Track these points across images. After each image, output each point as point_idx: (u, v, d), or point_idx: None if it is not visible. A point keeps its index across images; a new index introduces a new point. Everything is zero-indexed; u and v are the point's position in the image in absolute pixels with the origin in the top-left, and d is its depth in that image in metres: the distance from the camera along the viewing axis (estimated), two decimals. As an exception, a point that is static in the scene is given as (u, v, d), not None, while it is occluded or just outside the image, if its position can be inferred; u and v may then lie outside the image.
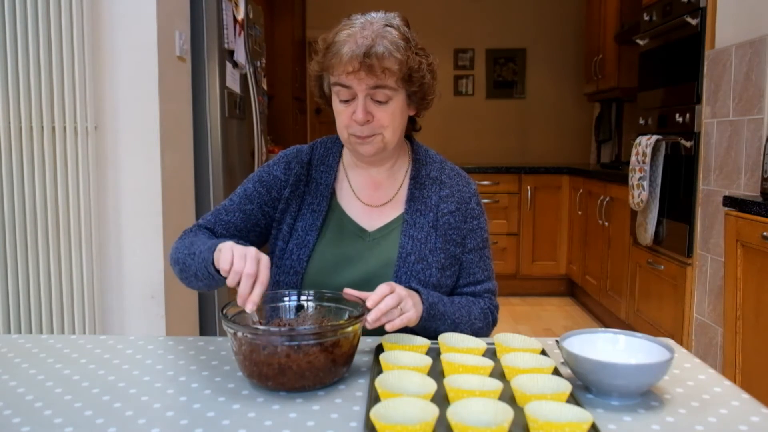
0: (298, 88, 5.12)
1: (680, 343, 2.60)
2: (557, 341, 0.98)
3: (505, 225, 4.56)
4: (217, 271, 1.07)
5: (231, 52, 2.70)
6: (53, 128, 2.12)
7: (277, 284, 1.25)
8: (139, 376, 0.96)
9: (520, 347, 1.02)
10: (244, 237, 1.29)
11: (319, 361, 0.88)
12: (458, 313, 1.20)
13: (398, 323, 1.03)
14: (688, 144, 2.72)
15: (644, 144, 2.92)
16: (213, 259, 1.08)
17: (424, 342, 1.03)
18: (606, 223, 3.69)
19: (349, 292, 1.05)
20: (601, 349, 0.96)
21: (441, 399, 0.84)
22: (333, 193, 1.30)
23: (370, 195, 1.30)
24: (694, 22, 2.66)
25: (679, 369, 1.00)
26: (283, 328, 0.92)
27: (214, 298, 2.64)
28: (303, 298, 1.07)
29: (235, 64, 2.76)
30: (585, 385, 0.91)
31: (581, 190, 4.22)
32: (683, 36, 2.79)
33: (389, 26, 1.17)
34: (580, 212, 4.25)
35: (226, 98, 2.63)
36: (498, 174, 4.55)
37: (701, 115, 2.65)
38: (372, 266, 1.23)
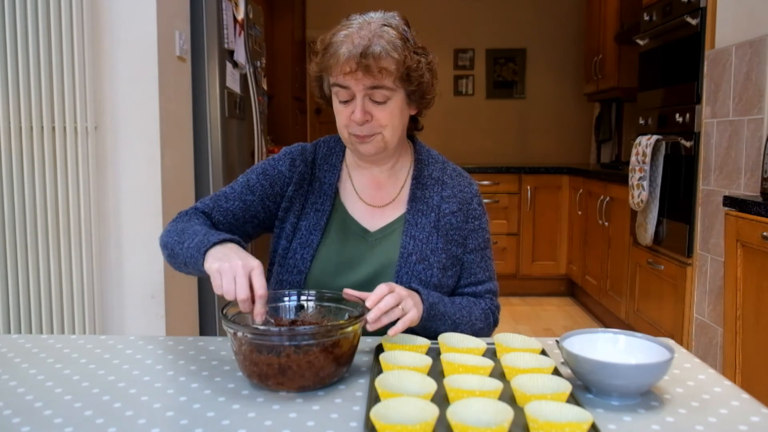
0: (298, 88, 5.12)
1: (680, 343, 2.60)
2: (557, 341, 0.98)
3: (505, 225, 4.56)
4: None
5: (231, 52, 2.70)
6: (53, 128, 2.12)
7: (281, 283, 1.25)
8: (139, 376, 0.96)
9: (520, 347, 1.02)
10: (240, 226, 1.28)
11: (319, 361, 0.88)
12: (459, 314, 1.20)
13: (401, 326, 1.02)
14: (688, 144, 2.72)
15: (644, 144, 2.92)
16: (203, 261, 1.06)
17: (424, 342, 1.03)
18: (606, 223, 3.69)
19: (348, 292, 1.05)
20: (601, 349, 0.96)
21: (441, 399, 0.84)
22: (336, 193, 1.30)
23: (373, 195, 1.30)
24: (694, 22, 2.66)
25: (679, 369, 1.00)
26: (283, 328, 0.92)
27: (213, 298, 2.64)
28: (303, 298, 1.07)
29: (235, 64, 2.76)
30: (585, 385, 0.91)
31: (581, 190, 4.22)
32: (683, 36, 2.79)
33: (387, 26, 1.17)
34: (580, 212, 4.25)
35: (226, 98, 2.63)
36: (498, 174, 4.55)
37: (701, 115, 2.65)
38: (374, 266, 1.23)
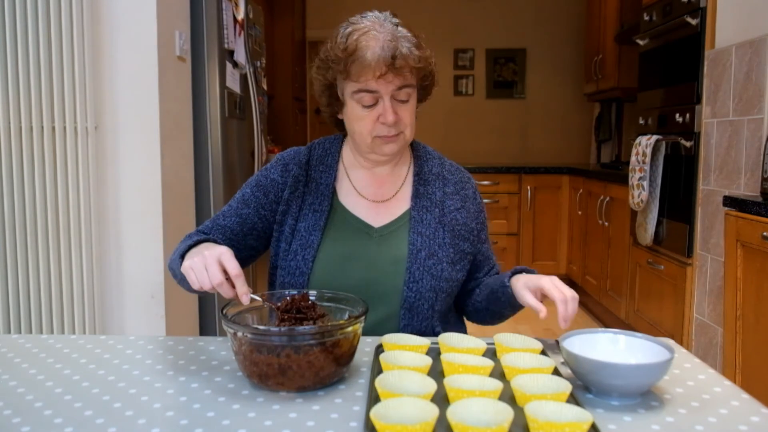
0: (298, 88, 5.12)
1: (680, 343, 2.60)
2: (557, 341, 0.98)
3: (505, 225, 4.56)
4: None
5: (231, 52, 2.70)
6: (53, 128, 2.12)
7: (283, 286, 1.25)
8: (139, 376, 0.96)
9: (520, 347, 1.02)
10: (240, 241, 1.29)
11: (319, 361, 0.88)
12: None
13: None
14: (688, 144, 2.72)
15: (644, 144, 2.92)
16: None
17: (424, 342, 1.03)
18: (606, 223, 3.69)
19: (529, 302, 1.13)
20: (601, 349, 0.96)
21: (441, 399, 0.84)
22: (334, 193, 1.30)
23: (374, 192, 1.30)
24: (694, 22, 2.66)
25: (679, 369, 1.00)
26: (283, 328, 0.92)
27: (214, 298, 2.64)
28: (303, 298, 1.07)
29: (235, 64, 2.76)
30: (585, 385, 0.91)
31: (581, 190, 4.22)
32: (683, 36, 2.79)
33: (398, 25, 1.19)
34: (580, 212, 4.25)
35: (226, 98, 2.63)
36: (498, 174, 4.55)
37: (701, 115, 2.65)
38: (381, 263, 1.24)
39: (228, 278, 1.00)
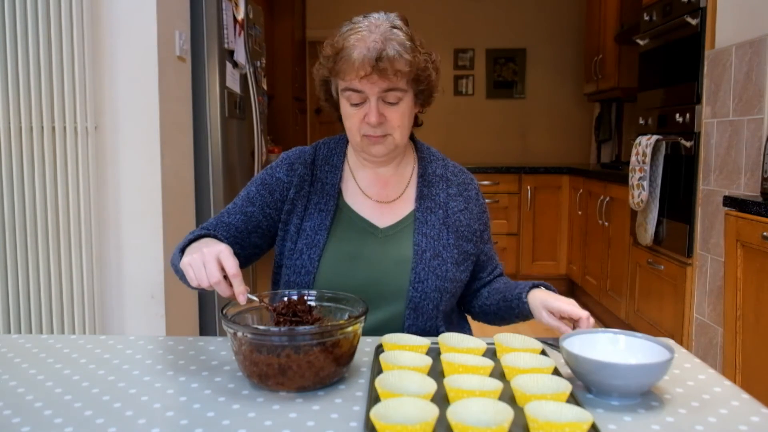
0: (298, 88, 5.12)
1: (680, 343, 2.60)
2: (552, 341, 0.98)
3: (505, 225, 4.56)
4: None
5: (231, 52, 2.70)
6: (53, 128, 2.12)
7: (288, 284, 1.25)
8: (139, 376, 0.96)
9: (520, 347, 1.02)
10: (244, 239, 1.29)
11: (319, 361, 0.88)
12: None
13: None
14: (688, 144, 2.72)
15: (644, 144, 2.92)
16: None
17: (424, 342, 1.03)
18: (606, 223, 3.69)
19: (551, 323, 1.16)
20: (601, 349, 0.96)
21: (441, 399, 0.84)
22: (339, 193, 1.30)
23: (379, 192, 1.31)
24: (694, 22, 2.66)
25: (679, 369, 1.00)
26: (283, 328, 0.92)
27: (214, 298, 2.64)
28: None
29: (235, 64, 2.76)
30: (585, 385, 0.91)
31: (581, 190, 4.22)
32: (683, 36, 2.79)
33: (395, 28, 1.18)
34: (580, 212, 4.25)
35: (226, 98, 2.63)
36: (498, 174, 4.55)
37: (701, 115, 2.65)
38: (386, 263, 1.24)
39: (226, 276, 1.00)
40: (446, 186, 1.32)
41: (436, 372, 0.94)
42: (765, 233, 1.87)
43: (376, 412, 0.74)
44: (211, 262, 0.99)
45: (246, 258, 1.31)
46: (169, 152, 2.29)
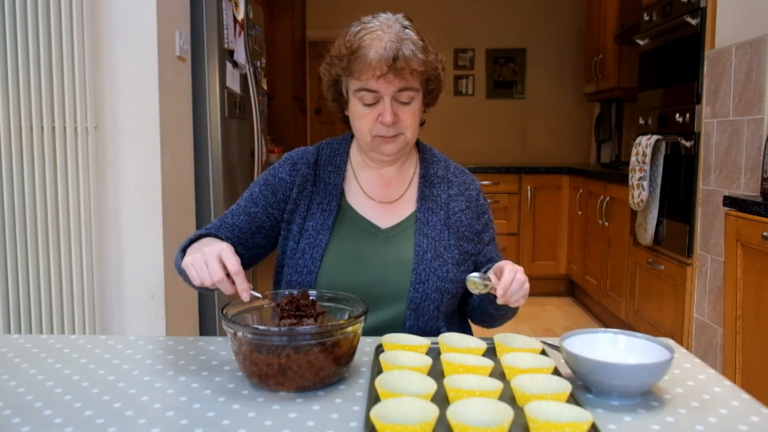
0: (298, 88, 5.12)
1: (680, 343, 2.60)
2: (549, 341, 0.98)
3: (505, 225, 4.56)
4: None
5: (231, 52, 2.70)
6: (53, 128, 2.12)
7: (290, 284, 1.26)
8: (139, 376, 0.96)
9: (520, 347, 1.02)
10: (248, 240, 1.29)
11: (319, 361, 0.88)
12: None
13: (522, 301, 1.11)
14: (688, 144, 2.72)
15: (644, 144, 2.92)
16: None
17: (424, 342, 1.03)
18: (606, 223, 3.69)
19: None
20: (601, 349, 0.96)
21: (441, 399, 0.84)
22: (342, 193, 1.30)
23: (381, 193, 1.31)
24: (694, 22, 2.66)
25: (679, 369, 1.00)
26: (283, 328, 0.92)
27: (214, 298, 2.64)
28: (303, 298, 1.07)
29: (235, 64, 2.76)
30: (585, 385, 0.91)
31: (581, 190, 4.22)
32: (683, 36, 2.79)
33: (406, 28, 1.19)
34: (580, 212, 4.25)
35: (226, 98, 2.63)
36: (498, 174, 4.55)
37: (701, 115, 2.65)
38: (388, 263, 1.24)
39: (228, 275, 1.00)
40: (447, 187, 1.32)
41: (436, 372, 0.94)
42: (765, 233, 1.87)
43: (376, 412, 0.74)
44: (213, 260, 1.00)
45: (250, 258, 1.31)
46: (169, 152, 2.28)
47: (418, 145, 1.37)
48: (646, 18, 3.17)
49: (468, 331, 1.36)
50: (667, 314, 2.89)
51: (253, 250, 1.31)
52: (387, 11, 1.23)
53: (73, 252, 2.15)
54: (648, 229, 2.96)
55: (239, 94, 2.85)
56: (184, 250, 1.14)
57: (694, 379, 0.96)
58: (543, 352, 1.01)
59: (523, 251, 4.57)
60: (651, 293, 3.09)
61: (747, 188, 2.31)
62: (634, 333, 0.98)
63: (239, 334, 0.90)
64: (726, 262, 2.12)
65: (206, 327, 2.65)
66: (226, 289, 1.00)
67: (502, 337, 1.05)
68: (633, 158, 3.02)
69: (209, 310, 2.65)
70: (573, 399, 0.84)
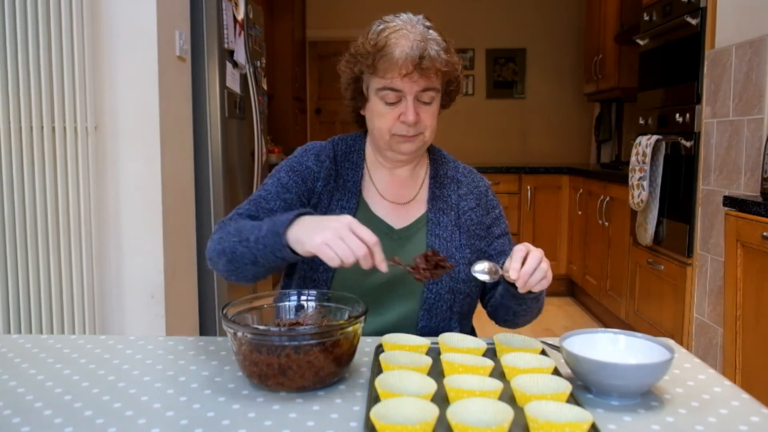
0: (298, 88, 5.12)
1: (680, 343, 2.60)
2: (549, 341, 0.98)
3: (505, 225, 4.55)
4: (294, 253, 1.03)
5: (231, 52, 2.70)
6: (53, 128, 2.12)
7: (304, 280, 1.25)
8: (139, 376, 0.96)
9: (520, 347, 1.02)
10: None
11: (319, 361, 0.88)
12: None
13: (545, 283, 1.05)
14: (688, 144, 2.72)
15: (644, 144, 2.92)
16: (285, 244, 1.02)
17: (424, 342, 1.03)
18: (606, 223, 3.69)
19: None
20: (601, 349, 0.96)
21: (441, 399, 0.84)
22: (360, 191, 1.30)
23: (395, 193, 1.31)
24: (694, 22, 2.66)
25: (679, 369, 1.00)
26: (283, 328, 0.92)
27: (214, 298, 2.64)
28: (303, 298, 1.07)
29: (235, 64, 2.76)
30: (585, 385, 0.91)
31: (581, 190, 4.22)
32: (683, 36, 2.79)
33: (429, 28, 1.20)
34: (580, 212, 4.25)
35: (226, 98, 2.63)
36: (498, 174, 4.55)
37: (701, 115, 2.65)
38: None
39: None
40: (457, 187, 1.33)
41: (436, 372, 0.94)
42: (765, 233, 1.87)
43: (376, 412, 0.74)
44: (349, 234, 0.96)
45: None
46: (169, 152, 2.28)
47: (429, 147, 1.37)
48: (646, 18, 3.17)
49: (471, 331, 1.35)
50: (667, 314, 2.89)
51: None
52: (407, 12, 1.22)
53: (73, 252, 2.15)
54: (648, 229, 2.96)
55: (239, 94, 2.85)
56: (248, 239, 1.07)
57: (694, 379, 0.96)
58: (543, 352, 1.01)
59: (523, 251, 4.56)
60: (651, 293, 3.09)
61: (747, 188, 2.31)
62: (634, 333, 0.98)
63: (239, 334, 0.90)
64: (726, 262, 2.12)
65: (206, 327, 2.65)
66: (368, 263, 0.97)
67: (502, 337, 1.05)
68: (633, 158, 3.02)
69: (209, 310, 2.65)
70: (573, 399, 0.84)
